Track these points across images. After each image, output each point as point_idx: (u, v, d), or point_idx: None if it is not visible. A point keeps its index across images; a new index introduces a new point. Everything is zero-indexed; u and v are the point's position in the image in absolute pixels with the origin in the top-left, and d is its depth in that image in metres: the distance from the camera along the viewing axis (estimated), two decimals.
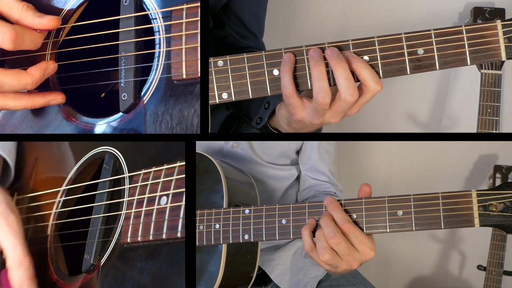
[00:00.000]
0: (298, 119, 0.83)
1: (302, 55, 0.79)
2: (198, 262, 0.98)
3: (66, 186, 0.90)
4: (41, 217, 0.93)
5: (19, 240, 0.77)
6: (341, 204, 0.83)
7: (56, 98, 0.83)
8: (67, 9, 0.84)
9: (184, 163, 0.74)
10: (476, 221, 0.76)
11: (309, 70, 0.79)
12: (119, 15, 0.78)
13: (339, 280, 1.21)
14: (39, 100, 0.81)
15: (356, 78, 0.77)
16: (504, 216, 0.75)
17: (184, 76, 0.73)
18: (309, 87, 0.79)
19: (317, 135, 1.04)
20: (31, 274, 0.77)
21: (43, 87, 0.84)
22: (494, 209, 0.75)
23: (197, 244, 0.96)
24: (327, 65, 0.78)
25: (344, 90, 0.76)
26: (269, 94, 0.80)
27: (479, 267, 1.70)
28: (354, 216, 0.83)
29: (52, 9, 0.85)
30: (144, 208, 0.75)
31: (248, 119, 1.04)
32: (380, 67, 0.77)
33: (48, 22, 0.78)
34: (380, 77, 0.77)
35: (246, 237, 0.91)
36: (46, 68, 0.81)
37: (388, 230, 0.80)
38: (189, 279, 0.71)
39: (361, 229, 0.82)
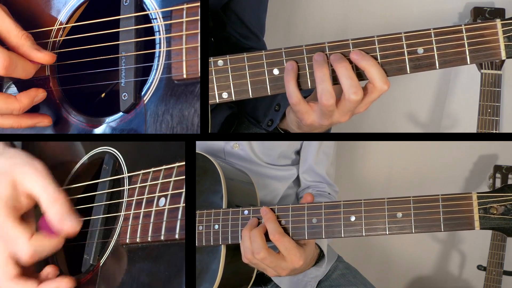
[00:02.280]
0: (308, 124, 0.84)
1: (302, 54, 0.79)
2: (198, 263, 0.98)
3: (66, 186, 0.90)
4: None
5: (49, 181, 0.74)
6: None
7: (43, 121, 0.84)
8: (68, 9, 0.85)
9: (182, 163, 0.74)
10: (476, 224, 0.75)
11: (309, 69, 0.79)
12: (119, 15, 0.78)
13: (339, 280, 1.21)
14: (26, 122, 0.83)
15: (365, 76, 0.78)
16: (505, 219, 0.74)
17: (185, 76, 0.74)
18: (309, 86, 0.79)
19: (316, 135, 1.04)
20: (69, 207, 0.74)
21: (43, 87, 0.85)
22: (495, 212, 0.74)
23: (196, 244, 0.96)
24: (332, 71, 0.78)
25: (347, 89, 0.77)
26: (269, 93, 0.80)
27: (479, 267, 1.70)
28: (283, 222, 0.88)
29: (52, 9, 0.85)
30: (142, 210, 0.75)
31: (256, 121, 1.04)
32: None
33: (43, 56, 0.79)
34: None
35: None
36: (36, 95, 0.81)
37: (387, 232, 0.80)
38: (189, 280, 0.71)
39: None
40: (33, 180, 0.74)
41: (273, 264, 0.87)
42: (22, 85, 0.85)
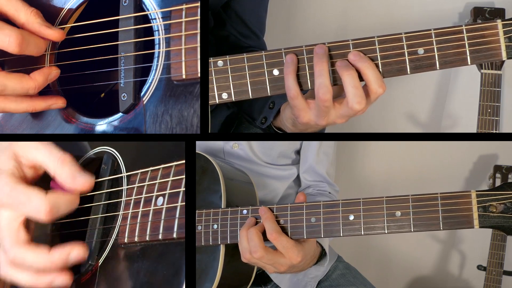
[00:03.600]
0: (304, 122, 0.83)
1: (302, 54, 0.79)
2: (197, 263, 0.98)
3: None
4: None
5: (52, 146, 0.75)
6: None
7: (57, 103, 0.83)
8: (67, 9, 0.84)
9: (180, 162, 0.74)
10: (476, 222, 0.75)
11: (309, 70, 0.79)
12: (118, 15, 0.78)
13: (339, 280, 1.21)
14: (40, 104, 0.82)
15: (361, 78, 0.77)
16: (504, 217, 0.74)
17: (184, 76, 0.73)
18: (310, 87, 0.79)
19: (316, 135, 1.04)
20: (78, 166, 0.74)
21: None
22: (494, 210, 0.74)
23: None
24: (332, 63, 0.78)
25: (351, 98, 0.77)
26: (269, 94, 0.80)
27: (479, 267, 1.70)
28: (282, 221, 0.88)
29: (52, 9, 0.85)
30: (141, 209, 0.75)
31: (251, 119, 1.04)
32: (380, 67, 0.77)
33: (53, 33, 0.78)
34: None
35: None
36: (49, 73, 0.81)
37: (386, 231, 0.80)
38: (189, 280, 0.71)
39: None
40: (35, 149, 0.74)
41: (271, 261, 0.88)
42: None
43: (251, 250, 0.87)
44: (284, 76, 0.79)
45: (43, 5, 0.85)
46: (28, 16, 0.77)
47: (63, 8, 0.84)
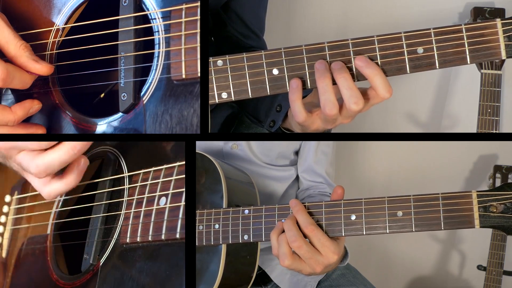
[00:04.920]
0: (313, 130, 0.84)
1: (301, 54, 0.79)
2: (198, 262, 0.98)
3: None
4: (41, 216, 0.93)
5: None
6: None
7: (37, 132, 0.84)
8: (67, 9, 0.84)
9: (183, 163, 0.74)
10: (476, 222, 0.75)
11: (308, 69, 0.79)
12: (118, 15, 0.78)
13: (339, 280, 1.21)
14: (20, 132, 0.82)
15: (361, 78, 0.77)
16: (505, 217, 0.74)
17: (184, 76, 0.73)
18: (309, 87, 0.79)
19: (317, 135, 1.04)
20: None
21: (42, 87, 0.85)
22: (495, 210, 0.75)
23: (196, 244, 0.96)
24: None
25: (347, 99, 0.77)
26: (268, 93, 0.80)
27: (479, 267, 1.70)
28: (318, 219, 0.84)
29: (52, 9, 0.85)
30: (143, 208, 0.75)
31: (258, 121, 1.04)
32: (379, 66, 0.77)
33: (41, 68, 0.79)
34: None
35: (246, 237, 0.91)
36: (30, 107, 0.82)
37: (387, 231, 0.80)
38: (189, 280, 0.71)
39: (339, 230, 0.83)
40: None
41: (309, 254, 0.82)
42: (18, 90, 0.84)
43: (289, 239, 0.81)
44: (290, 102, 0.79)
45: (42, 6, 0.86)
46: (17, 49, 0.78)
47: (64, 7, 0.85)
